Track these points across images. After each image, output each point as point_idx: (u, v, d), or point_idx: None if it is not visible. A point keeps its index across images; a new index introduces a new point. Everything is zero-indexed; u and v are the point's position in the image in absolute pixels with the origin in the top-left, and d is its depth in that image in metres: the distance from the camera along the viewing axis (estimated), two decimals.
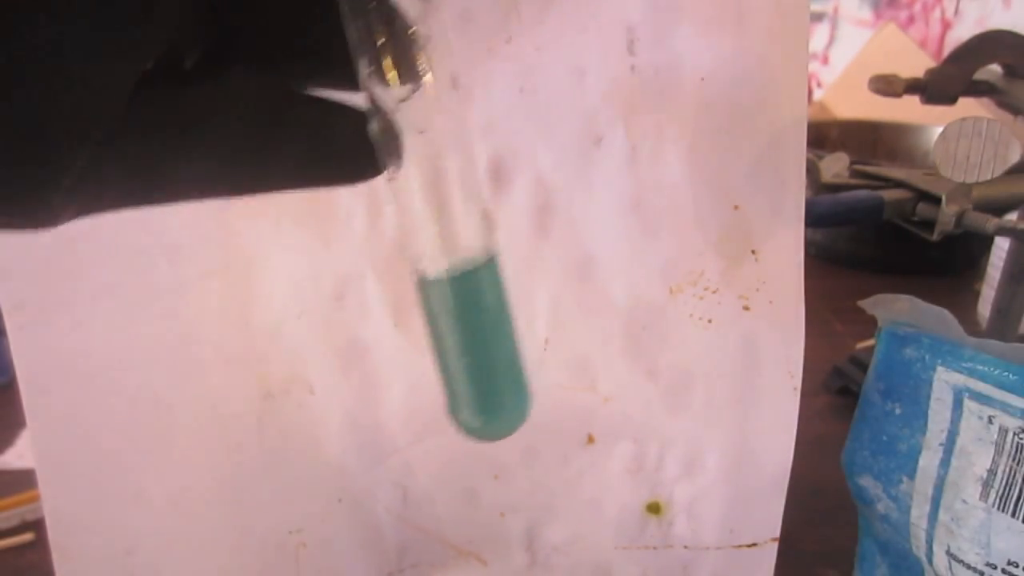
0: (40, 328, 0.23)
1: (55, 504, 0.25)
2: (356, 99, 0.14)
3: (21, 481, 0.38)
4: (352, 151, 0.15)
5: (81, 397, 0.24)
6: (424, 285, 0.15)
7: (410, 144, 0.14)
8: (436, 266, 0.14)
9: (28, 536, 0.35)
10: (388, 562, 0.29)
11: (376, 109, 0.14)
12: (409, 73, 0.13)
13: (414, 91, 0.14)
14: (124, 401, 0.25)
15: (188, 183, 0.14)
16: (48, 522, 0.25)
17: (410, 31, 0.13)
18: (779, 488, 0.26)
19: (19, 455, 0.41)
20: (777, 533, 0.26)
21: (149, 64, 0.12)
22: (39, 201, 0.11)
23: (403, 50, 0.13)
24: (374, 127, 0.14)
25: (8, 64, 0.10)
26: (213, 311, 0.25)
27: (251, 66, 0.14)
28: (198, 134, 0.13)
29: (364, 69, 0.13)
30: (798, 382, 0.25)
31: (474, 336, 0.15)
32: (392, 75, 0.13)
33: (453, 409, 0.15)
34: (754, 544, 0.27)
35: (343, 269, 0.26)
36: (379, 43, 0.13)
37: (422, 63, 0.14)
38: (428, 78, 0.14)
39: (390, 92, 0.13)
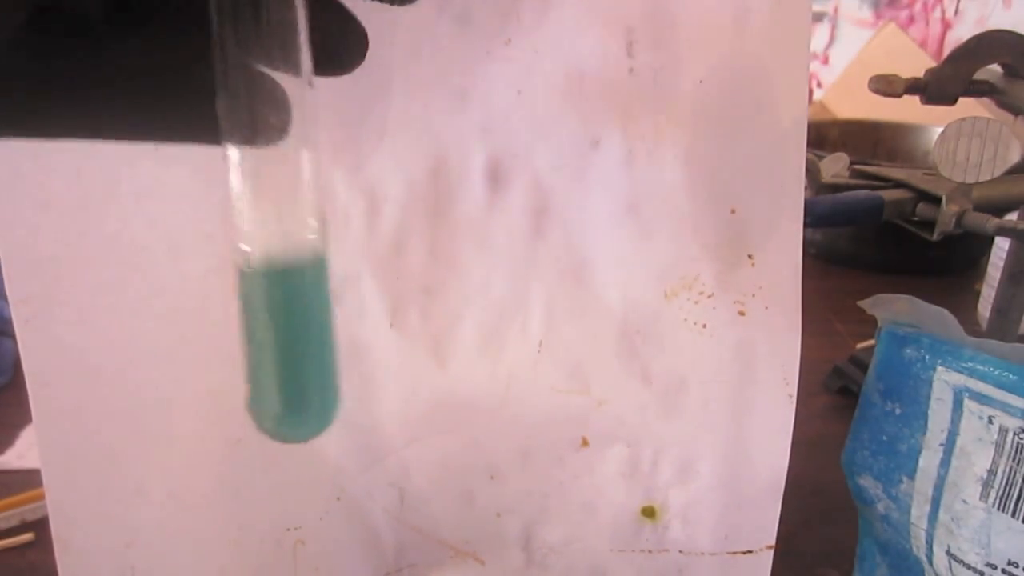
0: (45, 322, 0.24)
1: (58, 496, 0.25)
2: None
3: (21, 481, 0.38)
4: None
5: (84, 391, 0.25)
6: (244, 272, 0.15)
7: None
8: (259, 254, 0.15)
9: (28, 536, 0.35)
10: (386, 562, 0.29)
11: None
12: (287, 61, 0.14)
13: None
14: (126, 396, 0.25)
15: (74, 126, 0.15)
16: (51, 513, 0.25)
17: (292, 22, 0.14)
18: (774, 496, 0.26)
19: (19, 455, 0.41)
20: (773, 540, 0.26)
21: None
22: None
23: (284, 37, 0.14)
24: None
25: None
26: (214, 309, 0.25)
27: (154, 17, 0.15)
28: (91, 80, 0.14)
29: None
30: (793, 390, 0.25)
31: (285, 333, 0.15)
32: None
33: (254, 403, 0.15)
34: (749, 551, 0.27)
35: (340, 270, 0.26)
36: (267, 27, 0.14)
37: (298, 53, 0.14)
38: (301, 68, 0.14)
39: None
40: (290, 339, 0.15)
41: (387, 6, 0.17)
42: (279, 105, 0.15)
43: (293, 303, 0.15)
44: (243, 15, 0.14)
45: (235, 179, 0.15)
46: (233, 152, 0.14)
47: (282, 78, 0.14)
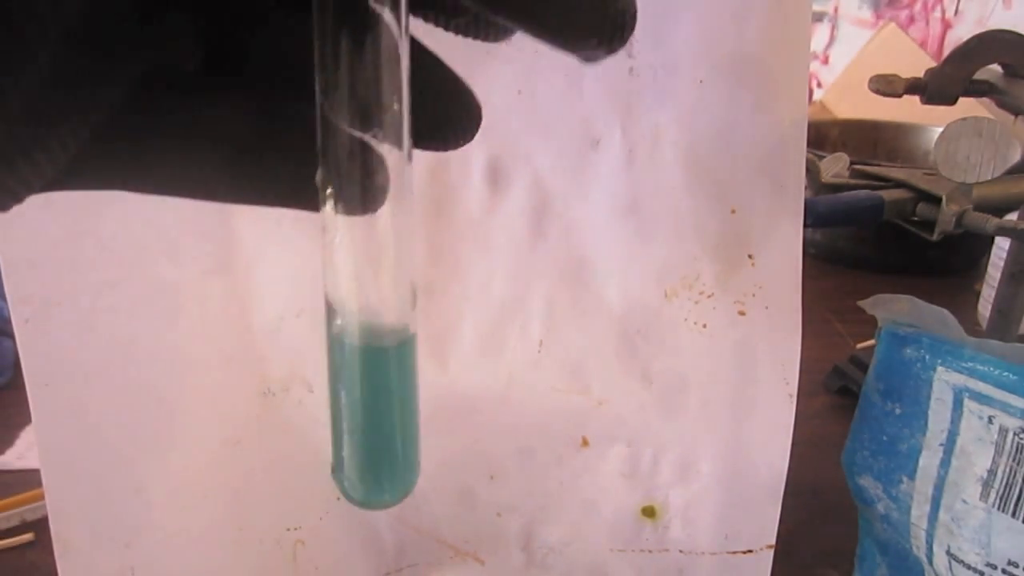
0: (44, 322, 0.24)
1: (58, 496, 0.25)
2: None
3: (21, 481, 0.38)
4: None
5: (83, 391, 0.25)
6: (335, 343, 0.14)
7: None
8: (352, 329, 0.14)
9: (28, 536, 0.35)
10: (386, 562, 0.29)
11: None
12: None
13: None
14: (125, 396, 0.25)
15: (168, 183, 0.14)
16: (51, 513, 0.25)
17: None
18: (774, 495, 0.26)
19: (19, 455, 0.41)
20: (773, 540, 0.27)
21: (139, 72, 0.12)
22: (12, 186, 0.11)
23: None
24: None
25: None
26: (214, 309, 0.25)
27: (255, 80, 0.14)
28: (190, 140, 0.14)
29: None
30: (793, 389, 0.25)
31: (371, 411, 0.15)
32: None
33: (335, 471, 0.15)
34: (750, 551, 0.27)
35: None
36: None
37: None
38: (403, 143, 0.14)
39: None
40: (372, 414, 0.15)
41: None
42: (378, 174, 0.14)
43: (378, 378, 0.15)
44: (348, 89, 0.13)
45: (329, 247, 0.14)
46: (330, 220, 0.14)
47: (382, 147, 0.14)
